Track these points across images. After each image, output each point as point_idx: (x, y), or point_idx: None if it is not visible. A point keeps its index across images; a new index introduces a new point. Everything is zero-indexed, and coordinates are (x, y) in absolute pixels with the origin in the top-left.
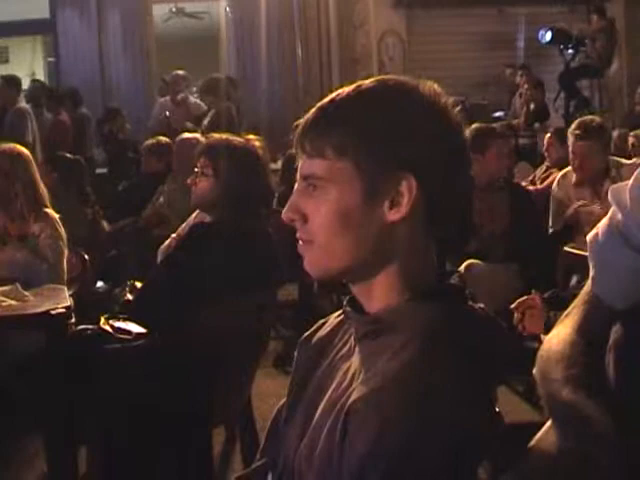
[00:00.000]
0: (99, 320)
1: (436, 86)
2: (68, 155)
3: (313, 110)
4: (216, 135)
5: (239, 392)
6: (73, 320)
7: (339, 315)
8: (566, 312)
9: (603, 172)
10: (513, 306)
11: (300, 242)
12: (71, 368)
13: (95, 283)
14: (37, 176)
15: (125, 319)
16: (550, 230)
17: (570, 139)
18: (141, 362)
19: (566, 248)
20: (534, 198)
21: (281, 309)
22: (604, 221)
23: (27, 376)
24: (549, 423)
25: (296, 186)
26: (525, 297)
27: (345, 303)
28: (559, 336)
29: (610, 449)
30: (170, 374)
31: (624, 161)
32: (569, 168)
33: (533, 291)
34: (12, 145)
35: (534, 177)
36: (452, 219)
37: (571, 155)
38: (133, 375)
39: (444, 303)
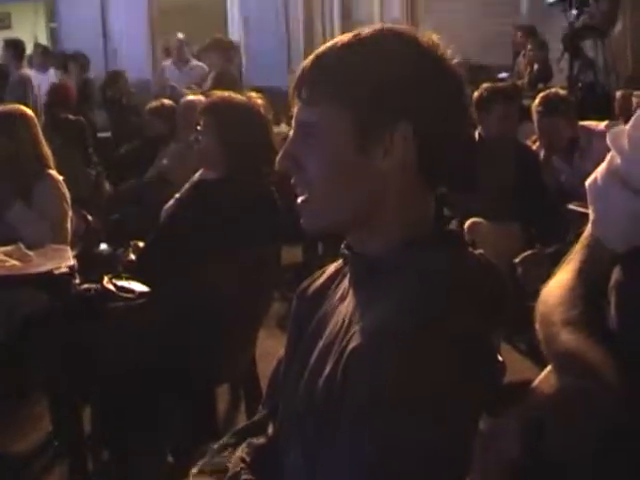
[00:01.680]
0: (102, 280)
1: (434, 36)
2: (71, 117)
3: (310, 57)
4: (218, 93)
5: (243, 350)
6: (77, 280)
7: (337, 264)
8: (566, 259)
9: (572, 143)
10: (517, 261)
11: (298, 199)
12: (74, 327)
13: (98, 245)
14: (40, 137)
15: (128, 278)
16: None
17: (535, 116)
18: (144, 320)
19: (570, 205)
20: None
21: (285, 271)
22: (603, 166)
23: (31, 336)
24: (549, 368)
25: (291, 133)
26: (529, 252)
27: (343, 246)
28: (559, 281)
29: (611, 387)
30: (173, 332)
31: (596, 128)
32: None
33: (537, 246)
34: (15, 106)
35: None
36: (447, 167)
37: (537, 132)
38: (136, 333)
39: (443, 248)
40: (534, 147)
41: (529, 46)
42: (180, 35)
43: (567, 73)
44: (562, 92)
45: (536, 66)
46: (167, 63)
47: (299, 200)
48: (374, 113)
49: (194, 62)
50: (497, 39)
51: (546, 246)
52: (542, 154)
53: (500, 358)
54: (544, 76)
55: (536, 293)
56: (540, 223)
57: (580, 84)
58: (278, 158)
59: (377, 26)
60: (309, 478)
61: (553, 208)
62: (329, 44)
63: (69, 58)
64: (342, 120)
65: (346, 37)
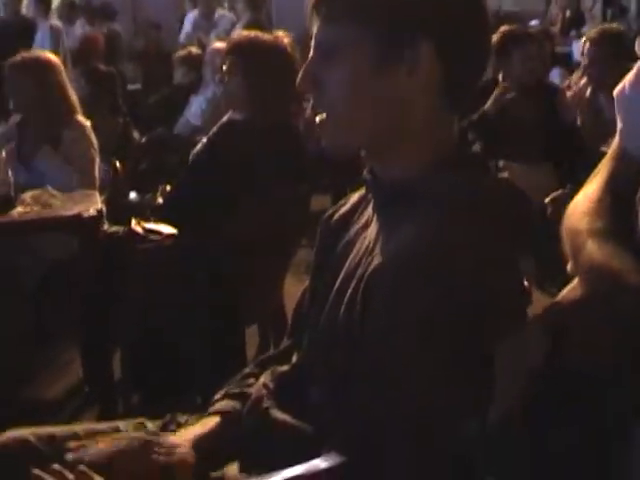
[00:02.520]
0: (130, 223)
1: None
2: (101, 66)
3: None
4: (244, 32)
5: (271, 290)
6: (105, 226)
7: (361, 193)
8: (594, 172)
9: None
10: (547, 200)
11: (317, 117)
12: (104, 270)
13: (127, 193)
14: (67, 84)
15: (156, 221)
16: None
17: (585, 45)
18: (172, 262)
19: (603, 147)
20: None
21: (314, 219)
22: (631, 74)
23: (60, 280)
24: (576, 280)
25: (311, 54)
26: (560, 191)
27: (365, 172)
28: (586, 193)
29: (636, 292)
30: (201, 273)
31: None
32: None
33: (568, 186)
34: (42, 53)
35: (570, 82)
36: (471, 89)
37: (585, 61)
38: (165, 275)
39: (466, 171)
40: (569, 91)
41: None
42: None
43: (600, 20)
44: (619, 28)
45: (568, 13)
46: (193, 13)
47: (318, 119)
48: (395, 30)
49: (221, 11)
50: None
51: (578, 186)
52: (589, 90)
53: (526, 283)
54: (576, 23)
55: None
56: (571, 163)
57: None
58: (298, 79)
59: None
60: (333, 406)
61: (583, 147)
62: None
63: (96, 10)
64: (362, 38)
65: None
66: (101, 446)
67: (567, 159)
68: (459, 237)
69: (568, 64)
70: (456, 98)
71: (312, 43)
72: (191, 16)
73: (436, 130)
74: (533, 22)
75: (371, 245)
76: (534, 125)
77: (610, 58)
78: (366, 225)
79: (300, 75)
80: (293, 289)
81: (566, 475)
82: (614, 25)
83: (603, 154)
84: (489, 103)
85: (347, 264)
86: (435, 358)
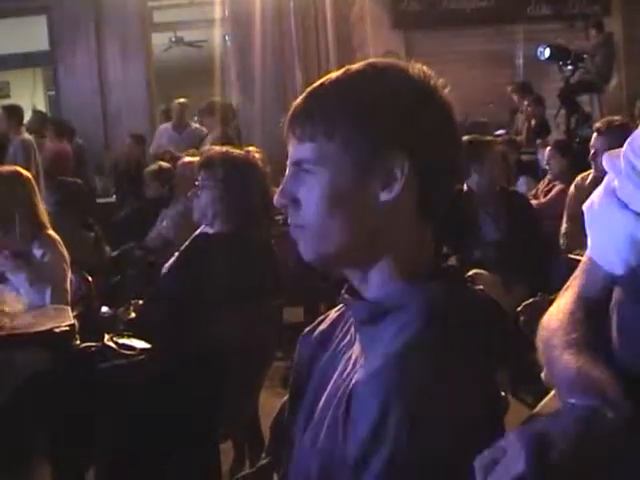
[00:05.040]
0: (103, 338)
1: (425, 68)
2: (67, 179)
3: (302, 95)
4: (216, 148)
5: (245, 405)
6: (77, 341)
7: (339, 309)
8: (566, 285)
9: None
10: (519, 309)
11: (293, 227)
12: (76, 386)
13: (99, 308)
14: (37, 199)
15: (129, 336)
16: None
17: (593, 135)
18: (146, 377)
19: (570, 255)
20: (533, 210)
21: (287, 331)
22: (599, 189)
23: (32, 395)
24: (552, 393)
25: (287, 172)
26: (531, 300)
27: (343, 291)
28: (559, 306)
29: (616, 405)
30: (175, 388)
31: None
32: (588, 172)
33: (539, 294)
34: (12, 167)
35: (537, 191)
36: (446, 201)
37: (591, 151)
38: (138, 391)
39: (443, 284)
40: (536, 201)
41: (526, 102)
42: (181, 100)
43: (564, 128)
44: (623, 119)
45: (533, 122)
46: (166, 126)
47: (295, 235)
48: (370, 147)
49: (193, 125)
50: (494, 96)
51: (549, 293)
52: (589, 180)
53: (502, 393)
54: (542, 131)
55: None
56: (541, 271)
57: (578, 139)
58: (275, 196)
59: (367, 61)
60: None
61: (552, 255)
62: (321, 81)
63: (63, 124)
64: (338, 155)
65: (337, 73)
66: None
67: (536, 267)
68: (438, 352)
69: (533, 173)
70: (431, 209)
71: (288, 161)
72: (162, 128)
73: (412, 242)
74: (500, 131)
75: (352, 364)
76: (502, 233)
77: (616, 148)
78: (350, 343)
79: (277, 193)
80: (268, 402)
81: None
82: (618, 118)
83: (574, 261)
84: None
85: (330, 385)
86: (414, 473)
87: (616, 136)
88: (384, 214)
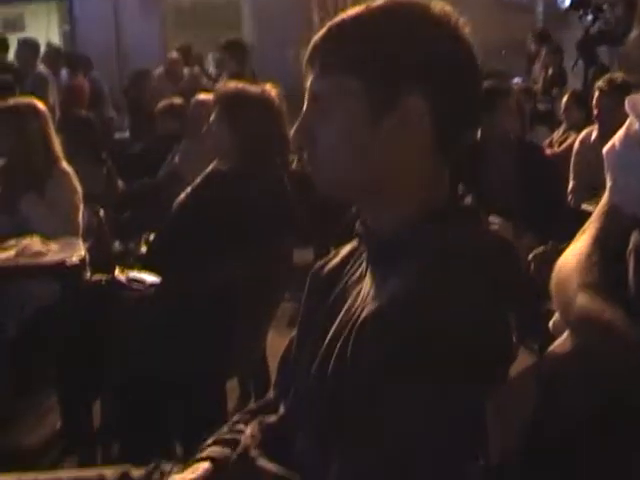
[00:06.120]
0: (113, 271)
1: (447, 6)
2: (79, 114)
3: (323, 30)
4: (231, 84)
5: (252, 344)
6: (88, 274)
7: (351, 245)
8: (582, 229)
9: None
10: (530, 258)
11: (309, 162)
12: (86, 318)
13: (111, 242)
14: (51, 132)
15: (140, 270)
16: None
17: (595, 94)
18: (155, 311)
19: (583, 206)
20: (548, 159)
21: (296, 272)
22: (621, 132)
23: (42, 327)
24: (565, 334)
25: (304, 107)
26: (542, 249)
27: (357, 226)
28: (575, 249)
29: (629, 345)
30: (184, 323)
31: None
32: (592, 127)
33: (550, 243)
34: (28, 100)
35: (552, 141)
36: (462, 139)
37: (595, 110)
38: (147, 324)
39: (458, 223)
40: (550, 150)
41: (544, 51)
42: (174, 54)
43: (582, 79)
44: (626, 77)
45: (551, 71)
46: (161, 74)
47: (311, 170)
48: (387, 82)
49: (187, 75)
50: (512, 44)
51: (559, 243)
52: (593, 137)
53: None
54: (559, 81)
55: (548, 293)
56: (553, 220)
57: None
58: (292, 131)
59: None
60: (318, 460)
61: (564, 204)
62: (342, 15)
63: (79, 59)
64: (356, 90)
65: (358, 9)
66: None
67: (548, 216)
68: (450, 291)
69: (549, 123)
70: (447, 148)
71: (306, 95)
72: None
73: (428, 181)
74: (516, 79)
75: (365, 297)
76: (514, 182)
77: (619, 106)
78: (360, 278)
79: (295, 127)
80: (276, 343)
81: None
82: (620, 74)
83: (586, 212)
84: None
85: (340, 316)
86: (419, 404)
87: (618, 94)
88: (400, 150)
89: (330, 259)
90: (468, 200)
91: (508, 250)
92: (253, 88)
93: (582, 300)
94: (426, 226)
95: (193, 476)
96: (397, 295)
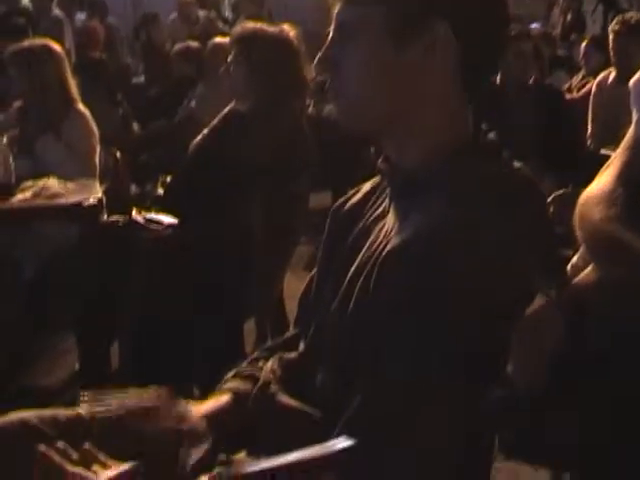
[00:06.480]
0: (130, 212)
1: None
2: (94, 56)
3: None
4: (250, 24)
5: (269, 284)
6: (105, 216)
7: (373, 182)
8: (607, 163)
9: None
10: (549, 200)
11: (331, 94)
12: (103, 260)
13: (127, 185)
14: (67, 73)
15: (157, 211)
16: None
17: (610, 36)
18: (172, 252)
19: (601, 151)
20: (567, 103)
21: (314, 216)
22: None
23: (60, 268)
24: (589, 268)
25: (330, 35)
26: (561, 191)
27: (379, 163)
28: (599, 183)
29: None
30: (200, 264)
31: None
32: (609, 70)
33: (570, 186)
34: (44, 41)
35: (570, 86)
36: (485, 77)
37: (611, 52)
38: (165, 266)
39: (480, 159)
40: (569, 95)
41: None
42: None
43: (601, 24)
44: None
45: (569, 16)
46: (174, 18)
47: (333, 98)
48: (412, 10)
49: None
50: None
51: (579, 186)
52: (610, 79)
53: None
54: (577, 26)
55: (567, 237)
56: (571, 163)
57: None
58: (316, 61)
59: None
60: (338, 395)
61: (584, 148)
62: None
63: (93, 3)
64: (380, 19)
65: None
66: (114, 403)
67: (567, 160)
68: (473, 224)
69: (568, 68)
70: (471, 84)
71: (332, 24)
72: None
73: (451, 115)
74: (534, 25)
75: (388, 233)
76: (533, 126)
77: (635, 45)
78: (383, 215)
79: (318, 57)
80: (293, 286)
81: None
82: (634, 14)
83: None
84: None
85: (362, 253)
86: (437, 338)
87: (634, 34)
88: (424, 82)
89: (351, 196)
90: (491, 138)
91: (534, 188)
92: (271, 28)
93: (607, 232)
94: (450, 160)
95: (214, 406)
96: (421, 229)
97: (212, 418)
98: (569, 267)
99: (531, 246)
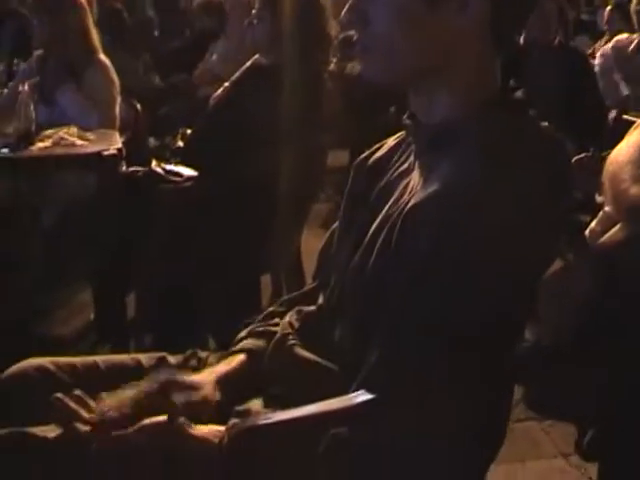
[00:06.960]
0: (150, 163)
1: None
2: (115, 6)
3: None
4: None
5: (288, 239)
6: (124, 166)
7: (397, 137)
8: (635, 125)
9: None
10: (572, 163)
11: (359, 48)
12: (122, 210)
13: (147, 137)
14: (89, 23)
15: (177, 163)
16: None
17: (632, 3)
18: (191, 204)
19: (624, 116)
20: (591, 66)
21: (331, 174)
22: None
23: (78, 218)
24: (616, 227)
25: None
26: (583, 155)
27: (405, 117)
28: (629, 142)
29: None
30: (219, 217)
31: None
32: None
33: (592, 149)
34: None
35: (594, 51)
36: (515, 35)
37: (633, 19)
38: (183, 218)
39: (508, 115)
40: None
41: None
42: None
43: None
44: None
45: None
46: None
47: (360, 53)
48: None
49: None
50: None
51: (601, 150)
52: (634, 44)
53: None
54: None
55: (589, 201)
56: (594, 127)
57: None
58: (344, 11)
59: None
60: (356, 349)
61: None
62: None
63: None
64: None
65: None
66: (120, 396)
67: (589, 123)
68: (500, 180)
69: (591, 33)
70: (502, 40)
71: None
72: None
73: (480, 72)
74: None
75: (413, 189)
76: (556, 87)
77: None
78: (407, 171)
79: (346, 7)
80: (310, 243)
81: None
82: None
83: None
84: None
85: (385, 208)
86: (462, 291)
87: None
88: (454, 38)
89: (375, 151)
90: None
91: (561, 147)
92: None
93: (636, 191)
94: (478, 115)
95: (227, 369)
96: (448, 183)
97: (225, 382)
98: (587, 232)
99: (554, 205)
